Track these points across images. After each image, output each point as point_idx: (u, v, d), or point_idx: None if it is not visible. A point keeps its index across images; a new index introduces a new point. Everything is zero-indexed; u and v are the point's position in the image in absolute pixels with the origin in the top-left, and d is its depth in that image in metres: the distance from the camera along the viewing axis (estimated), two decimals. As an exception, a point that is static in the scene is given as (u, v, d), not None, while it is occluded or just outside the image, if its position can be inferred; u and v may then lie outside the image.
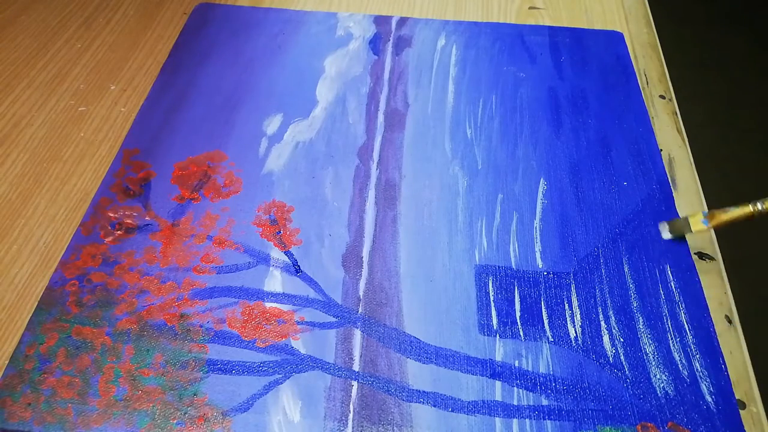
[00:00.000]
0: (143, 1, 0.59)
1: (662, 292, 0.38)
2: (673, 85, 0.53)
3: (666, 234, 0.40)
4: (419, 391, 0.34)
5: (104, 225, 0.40)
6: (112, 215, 0.41)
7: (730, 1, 1.92)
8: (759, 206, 0.37)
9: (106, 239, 0.40)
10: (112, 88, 0.51)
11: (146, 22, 0.57)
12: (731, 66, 1.77)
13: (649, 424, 0.33)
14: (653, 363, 0.35)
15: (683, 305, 0.37)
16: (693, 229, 0.39)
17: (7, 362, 0.34)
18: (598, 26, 0.58)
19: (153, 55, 0.54)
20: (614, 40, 0.55)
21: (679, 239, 0.40)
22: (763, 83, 1.65)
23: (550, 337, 0.36)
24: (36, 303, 0.37)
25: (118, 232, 0.40)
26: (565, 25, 0.57)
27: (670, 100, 0.51)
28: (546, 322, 0.36)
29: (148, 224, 0.41)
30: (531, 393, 0.34)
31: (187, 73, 0.51)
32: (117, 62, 0.53)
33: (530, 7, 0.60)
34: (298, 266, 0.39)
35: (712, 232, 0.41)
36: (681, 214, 0.41)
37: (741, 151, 1.43)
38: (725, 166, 1.38)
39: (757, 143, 1.45)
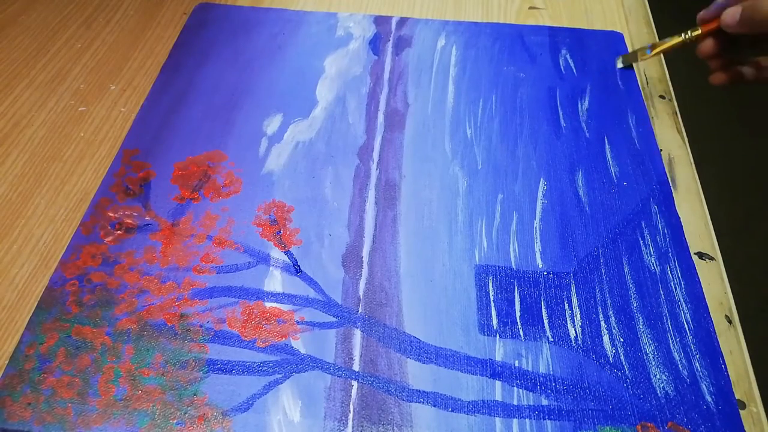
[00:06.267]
0: (143, 1, 0.59)
1: (662, 292, 0.38)
2: (673, 85, 0.53)
3: (619, 64, 0.52)
4: (419, 391, 0.34)
5: (104, 225, 0.40)
6: (112, 215, 0.41)
7: (730, 1, 1.91)
8: (689, 34, 0.47)
9: (106, 239, 0.40)
10: (112, 88, 0.51)
11: (146, 22, 0.57)
12: (731, 66, 1.76)
13: (649, 424, 0.33)
14: (653, 363, 0.35)
15: (683, 305, 0.37)
16: (640, 58, 0.51)
17: (7, 362, 0.34)
18: (598, 26, 0.58)
19: (153, 55, 0.54)
20: (614, 40, 0.55)
21: (629, 68, 0.52)
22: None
23: (550, 337, 0.36)
24: (36, 303, 0.37)
25: (118, 231, 0.40)
26: (566, 25, 0.57)
27: (670, 100, 0.51)
28: (546, 322, 0.36)
29: (148, 224, 0.41)
30: (531, 393, 0.34)
31: (187, 73, 0.51)
32: (117, 62, 0.53)
33: (530, 7, 0.60)
34: (298, 266, 0.39)
35: (712, 230, 0.42)
36: (681, 215, 0.41)
37: (741, 151, 1.43)
38: (725, 166, 1.38)
39: (757, 143, 1.45)
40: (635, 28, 0.58)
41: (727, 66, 0.47)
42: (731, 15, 0.43)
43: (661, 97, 0.51)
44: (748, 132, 1.48)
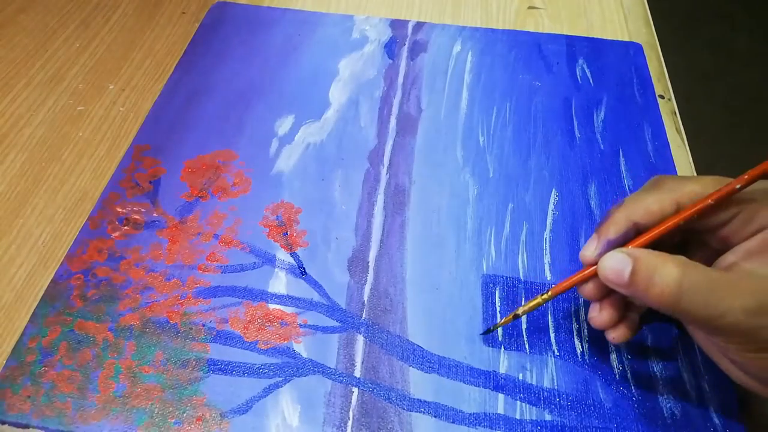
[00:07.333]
0: (142, 1, 0.59)
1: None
2: (672, 85, 0.52)
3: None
4: (420, 400, 0.33)
5: (112, 220, 0.40)
6: (120, 210, 0.41)
7: (730, 2, 1.90)
8: (519, 311, 0.34)
9: (113, 234, 0.40)
10: (110, 87, 0.50)
11: (145, 21, 0.57)
12: (730, 66, 1.74)
13: (654, 445, 0.32)
14: (660, 382, 0.34)
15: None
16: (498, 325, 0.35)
17: (5, 360, 0.34)
18: (596, 26, 0.57)
19: (152, 55, 0.53)
20: (633, 51, 0.54)
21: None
22: (762, 83, 1.63)
23: (555, 350, 0.35)
24: (34, 302, 0.36)
25: (126, 227, 0.40)
26: (565, 25, 0.57)
27: (669, 99, 0.51)
28: (552, 335, 0.36)
29: (155, 221, 0.41)
30: (534, 407, 0.33)
31: (201, 71, 0.51)
32: (115, 62, 0.53)
33: (529, 7, 0.59)
34: (303, 268, 0.39)
35: None
36: None
37: (740, 152, 1.42)
38: (725, 166, 1.37)
39: (756, 143, 1.43)
40: (634, 27, 0.57)
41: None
42: (617, 272, 0.29)
43: (660, 96, 0.51)
44: (748, 132, 1.47)
